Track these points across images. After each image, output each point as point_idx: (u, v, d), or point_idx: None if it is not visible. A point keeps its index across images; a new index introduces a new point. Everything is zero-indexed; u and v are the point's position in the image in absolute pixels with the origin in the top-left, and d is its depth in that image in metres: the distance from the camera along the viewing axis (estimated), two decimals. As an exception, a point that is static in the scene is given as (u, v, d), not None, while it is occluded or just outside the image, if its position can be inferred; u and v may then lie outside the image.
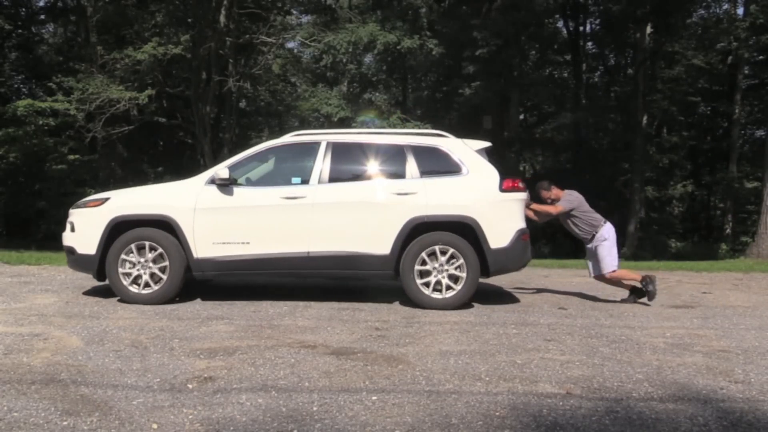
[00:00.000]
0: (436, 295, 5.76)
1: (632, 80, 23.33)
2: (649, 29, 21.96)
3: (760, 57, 22.59)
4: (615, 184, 24.96)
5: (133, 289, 5.72)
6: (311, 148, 6.05)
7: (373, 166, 6.05)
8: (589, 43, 27.52)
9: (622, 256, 19.50)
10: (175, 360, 3.78)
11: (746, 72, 24.72)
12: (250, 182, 6.06)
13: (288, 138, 6.32)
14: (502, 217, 5.82)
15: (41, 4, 25.83)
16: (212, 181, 5.82)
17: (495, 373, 3.61)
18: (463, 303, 5.79)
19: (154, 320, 4.99)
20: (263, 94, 26.75)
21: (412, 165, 5.92)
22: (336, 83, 24.57)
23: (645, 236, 22.06)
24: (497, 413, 2.93)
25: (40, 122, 16.82)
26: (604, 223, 6.53)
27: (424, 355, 3.98)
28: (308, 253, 5.74)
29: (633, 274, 6.53)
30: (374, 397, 3.12)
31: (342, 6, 24.93)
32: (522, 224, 5.94)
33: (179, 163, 25.71)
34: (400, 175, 5.93)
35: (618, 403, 3.12)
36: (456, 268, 5.74)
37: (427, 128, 19.84)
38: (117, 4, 19.45)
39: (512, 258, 5.86)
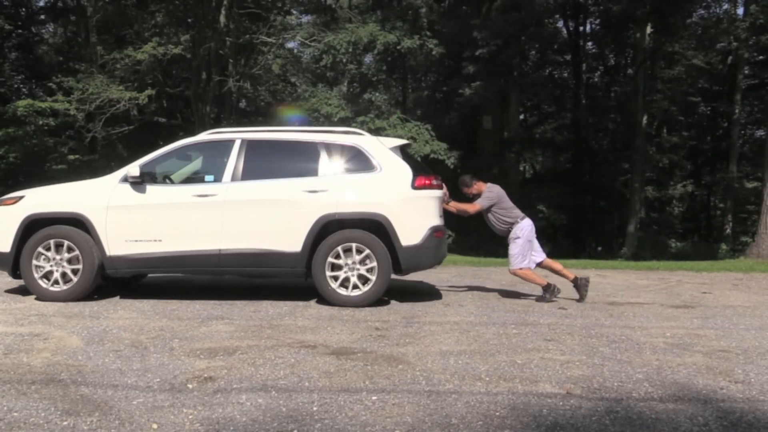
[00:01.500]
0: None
1: (632, 80, 23.33)
2: (649, 29, 21.95)
3: (760, 57, 22.59)
4: (615, 184, 24.98)
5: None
6: (226, 146, 6.06)
7: (286, 163, 6.06)
8: (589, 43, 27.53)
9: (622, 256, 19.57)
10: (175, 360, 3.78)
11: (746, 72, 24.71)
12: (163, 180, 6.10)
13: (204, 135, 6.35)
14: (413, 214, 5.82)
15: (41, 4, 25.81)
16: (125, 179, 5.86)
17: (495, 373, 3.60)
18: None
19: (154, 320, 4.99)
20: (263, 94, 26.75)
21: (325, 163, 5.94)
22: (336, 83, 24.59)
23: (645, 236, 22.07)
24: (497, 413, 2.93)
25: (40, 122, 16.83)
26: (521, 219, 6.51)
27: (424, 355, 3.98)
28: (219, 250, 5.76)
29: (538, 279, 6.50)
30: (374, 397, 3.12)
31: (342, 6, 24.92)
32: (435, 222, 5.94)
33: (179, 163, 25.64)
34: (313, 172, 5.93)
35: (618, 403, 3.12)
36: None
37: (426, 128, 19.91)
38: (117, 4, 19.44)
39: (425, 255, 5.87)
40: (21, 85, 24.85)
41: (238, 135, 6.16)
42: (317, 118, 23.10)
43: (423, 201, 5.90)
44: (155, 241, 5.77)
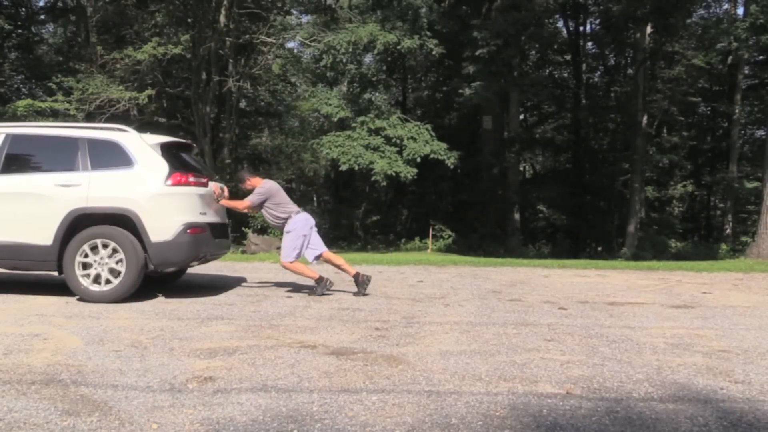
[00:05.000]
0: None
1: (632, 80, 23.34)
2: (649, 29, 21.95)
3: (760, 57, 22.59)
4: (615, 184, 24.98)
5: None
6: None
7: (46, 158, 6.16)
8: (589, 43, 27.54)
9: (622, 256, 19.57)
10: (175, 360, 3.78)
11: (746, 72, 24.72)
12: None
13: None
14: (165, 210, 5.87)
15: (41, 4, 25.84)
16: None
17: (495, 373, 3.60)
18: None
19: (154, 320, 4.99)
20: (263, 94, 26.76)
21: (84, 158, 5.99)
22: (336, 83, 24.58)
23: (645, 236, 22.07)
24: (497, 413, 2.93)
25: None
26: (296, 214, 6.60)
27: (424, 355, 3.98)
28: None
29: (309, 272, 6.61)
30: (374, 397, 3.12)
31: (342, 6, 24.92)
32: (190, 218, 5.98)
33: (179, 163, 25.69)
34: (71, 167, 5.98)
35: (618, 403, 3.11)
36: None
37: (426, 128, 19.91)
38: (117, 4, 19.47)
39: (176, 251, 5.91)
40: (21, 85, 24.85)
41: (3, 130, 6.26)
42: (317, 118, 23.02)
43: (176, 197, 5.96)
44: None
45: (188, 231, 5.91)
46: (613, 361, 3.91)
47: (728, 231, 24.12)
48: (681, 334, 4.81)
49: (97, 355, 3.86)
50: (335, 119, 21.07)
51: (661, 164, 25.25)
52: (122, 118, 18.42)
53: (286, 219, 6.58)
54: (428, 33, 19.91)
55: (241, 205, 6.77)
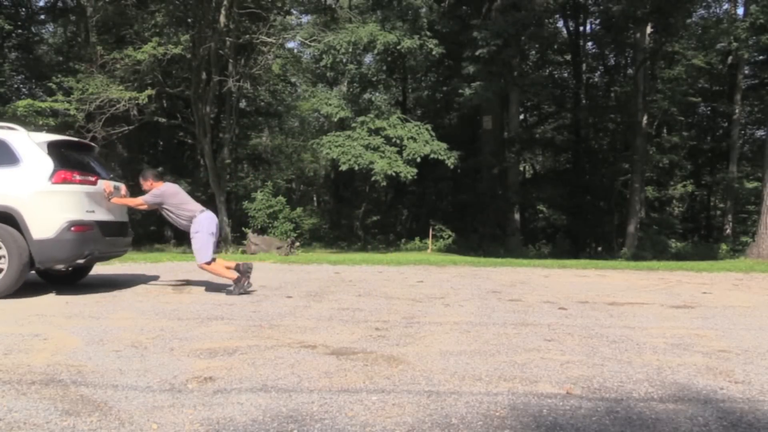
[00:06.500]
0: None
1: (632, 80, 23.34)
2: (649, 29, 21.95)
3: (760, 57, 22.60)
4: (615, 184, 24.99)
5: None
6: None
7: None
8: (589, 43, 27.54)
9: (622, 256, 19.58)
10: (175, 360, 3.78)
11: (746, 72, 24.74)
12: None
13: None
14: (48, 208, 5.93)
15: (41, 4, 25.85)
16: None
17: (495, 373, 3.60)
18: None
19: (154, 320, 4.99)
20: (263, 94, 26.78)
21: None
22: (336, 83, 24.60)
23: (645, 236, 22.08)
24: (497, 413, 2.93)
25: (40, 122, 16.83)
26: (200, 213, 6.59)
27: (424, 355, 3.98)
28: None
29: (227, 273, 6.56)
30: (374, 397, 3.12)
31: (342, 6, 24.95)
32: (75, 216, 6.03)
33: (179, 163, 25.74)
34: None
35: (618, 403, 3.11)
36: None
37: (426, 128, 19.92)
38: (117, 4, 19.46)
39: (60, 249, 5.97)
40: (21, 85, 24.85)
41: None
42: (317, 118, 23.03)
43: (60, 195, 6.01)
44: None
45: (72, 229, 5.97)
46: (613, 361, 3.91)
47: (728, 231, 24.12)
48: (681, 334, 4.81)
49: (97, 355, 3.86)
50: (335, 119, 21.09)
51: (661, 164, 25.26)
52: (122, 118, 18.45)
53: (190, 219, 6.56)
54: (428, 33, 19.92)
55: (134, 202, 6.77)
